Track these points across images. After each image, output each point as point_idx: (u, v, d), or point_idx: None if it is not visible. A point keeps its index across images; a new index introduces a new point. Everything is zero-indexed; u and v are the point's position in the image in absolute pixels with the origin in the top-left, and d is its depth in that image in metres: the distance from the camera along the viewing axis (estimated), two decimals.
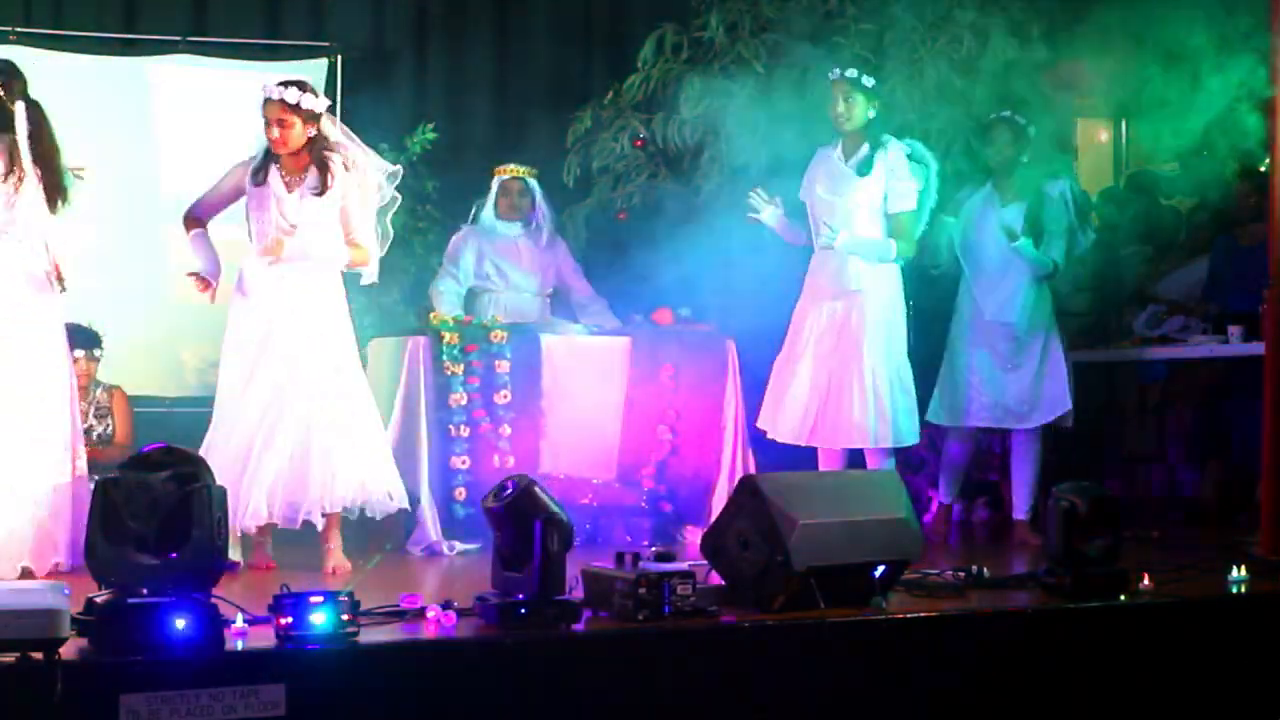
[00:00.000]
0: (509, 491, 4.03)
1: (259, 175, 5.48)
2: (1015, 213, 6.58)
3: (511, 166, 7.11)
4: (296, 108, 5.38)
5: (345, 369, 5.50)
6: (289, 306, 5.43)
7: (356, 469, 5.39)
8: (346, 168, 5.51)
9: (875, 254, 6.15)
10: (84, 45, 7.86)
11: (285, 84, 5.41)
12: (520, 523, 3.99)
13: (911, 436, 6.26)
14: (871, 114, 6.14)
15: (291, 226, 5.42)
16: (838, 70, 6.18)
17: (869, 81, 6.12)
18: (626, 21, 8.53)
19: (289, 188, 5.45)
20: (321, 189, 5.45)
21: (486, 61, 8.61)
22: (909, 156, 6.17)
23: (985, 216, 6.64)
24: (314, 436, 5.35)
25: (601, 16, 8.76)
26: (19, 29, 7.75)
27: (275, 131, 5.39)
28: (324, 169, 5.46)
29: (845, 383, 6.12)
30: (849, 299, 6.15)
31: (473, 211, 7.17)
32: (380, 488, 5.46)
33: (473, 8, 8.60)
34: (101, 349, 6.75)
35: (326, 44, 8.17)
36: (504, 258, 7.06)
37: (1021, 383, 6.57)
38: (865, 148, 6.14)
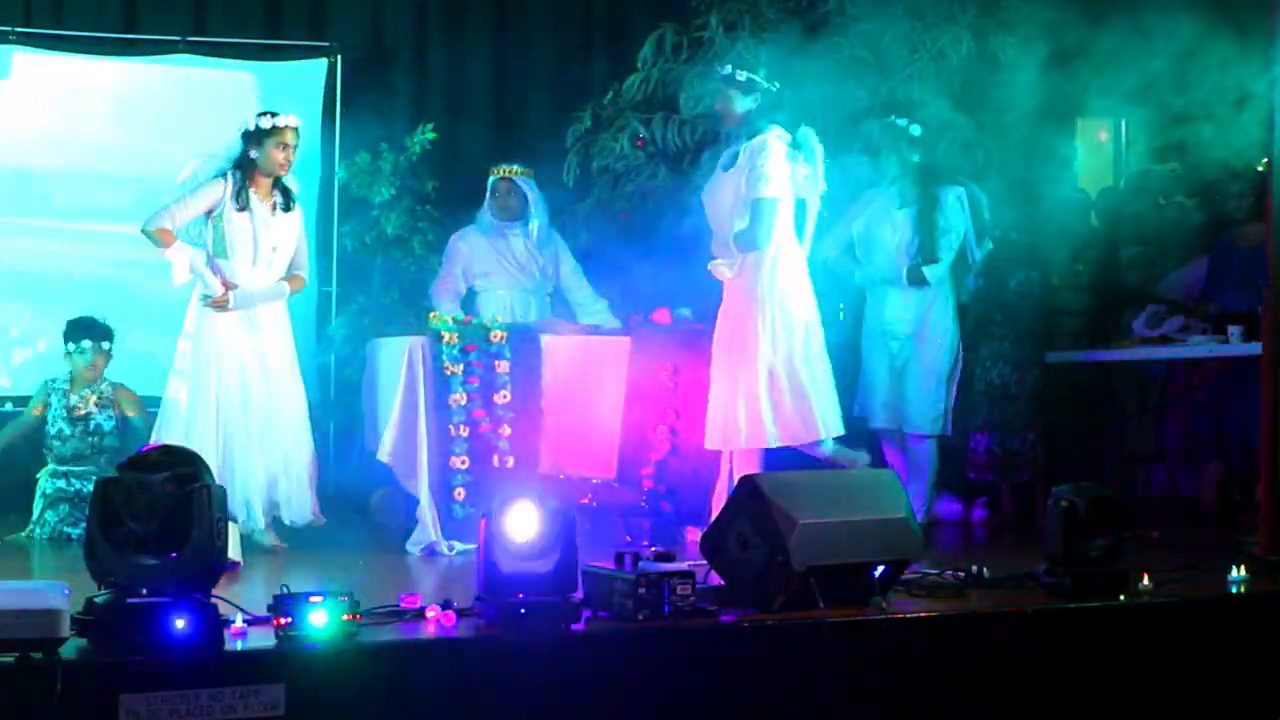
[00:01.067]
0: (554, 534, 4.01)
1: (241, 199, 5.84)
2: (909, 215, 6.68)
3: (502, 167, 7.11)
4: (299, 137, 5.94)
5: (298, 389, 6.06)
6: (265, 324, 5.94)
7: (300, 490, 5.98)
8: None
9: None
10: (84, 45, 7.87)
11: (277, 114, 5.89)
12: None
13: (774, 440, 5.96)
14: (751, 107, 6.00)
15: (273, 249, 5.92)
16: (719, 68, 6.16)
17: (742, 77, 5.99)
18: (626, 21, 8.54)
19: (270, 210, 5.93)
20: (288, 205, 5.98)
21: (486, 61, 8.62)
22: (794, 145, 6.00)
23: (882, 218, 6.72)
24: (273, 455, 5.91)
25: (601, 17, 8.77)
26: (19, 29, 7.76)
27: (293, 157, 5.90)
28: (286, 189, 5.99)
29: (713, 383, 6.09)
30: (724, 296, 6.13)
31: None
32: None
33: (472, 8, 8.62)
34: (111, 342, 6.79)
35: (326, 44, 8.18)
36: (500, 258, 7.06)
37: (910, 385, 6.68)
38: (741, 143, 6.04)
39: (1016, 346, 7.36)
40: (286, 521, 5.98)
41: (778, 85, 6.07)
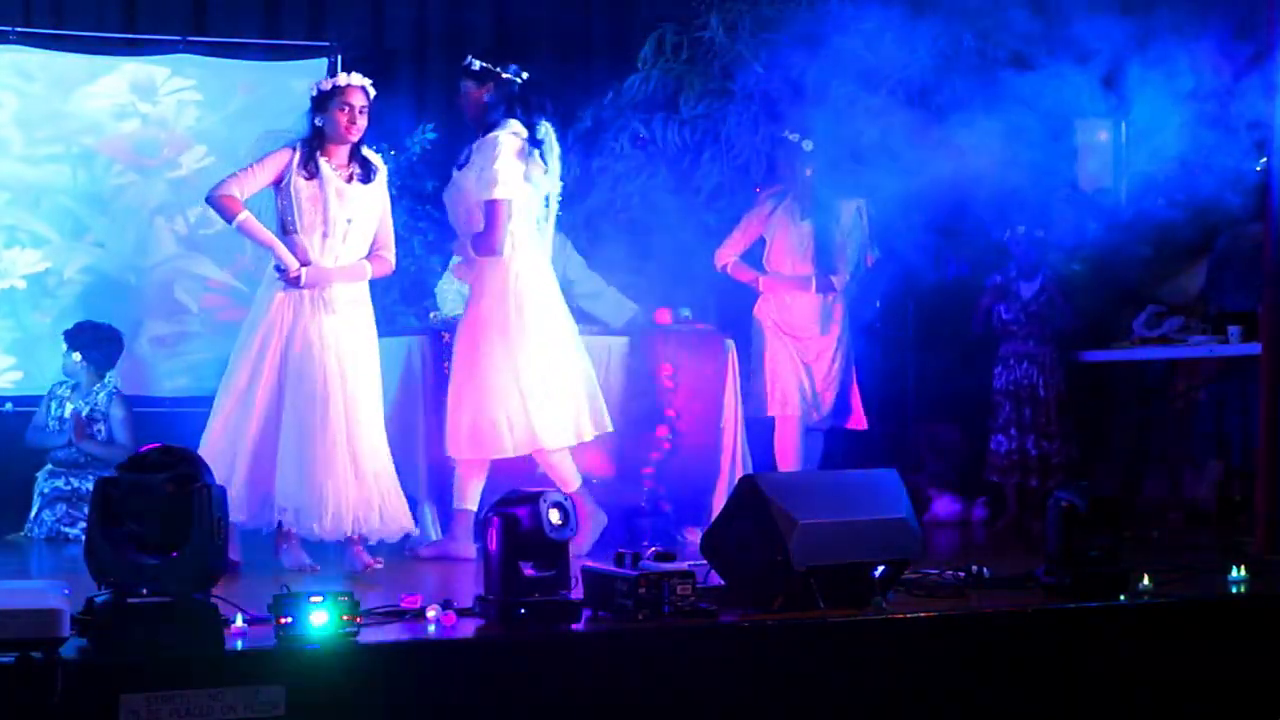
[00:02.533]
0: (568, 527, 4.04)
1: (309, 167, 5.36)
2: (811, 225, 6.90)
3: None
4: (369, 99, 5.44)
5: (374, 385, 5.49)
6: (341, 307, 5.39)
7: (388, 496, 5.40)
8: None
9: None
10: (84, 45, 7.87)
11: (349, 73, 5.47)
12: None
13: (511, 450, 5.72)
14: (488, 99, 5.77)
15: (348, 221, 5.39)
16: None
17: (476, 66, 5.78)
18: (626, 21, 8.54)
19: (344, 180, 5.40)
20: (369, 177, 5.45)
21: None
22: (531, 141, 5.77)
23: (782, 227, 6.93)
24: (361, 459, 5.32)
25: (602, 16, 8.77)
26: (19, 29, 7.76)
27: (361, 121, 5.39)
28: (365, 160, 5.48)
29: (454, 388, 5.84)
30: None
31: None
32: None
33: (473, 7, 8.61)
34: (94, 351, 6.77)
35: (326, 44, 8.18)
36: None
37: (834, 383, 6.94)
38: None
39: (1042, 345, 7.33)
40: (372, 540, 5.38)
41: (524, 75, 5.83)
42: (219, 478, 4.88)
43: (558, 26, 8.69)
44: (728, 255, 7.02)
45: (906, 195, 6.90)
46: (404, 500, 5.44)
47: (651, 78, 7.70)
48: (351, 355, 5.36)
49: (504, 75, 5.77)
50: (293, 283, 5.31)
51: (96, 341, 6.82)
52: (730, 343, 6.69)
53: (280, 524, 5.32)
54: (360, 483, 5.30)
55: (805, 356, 6.93)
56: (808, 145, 6.84)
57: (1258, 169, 6.79)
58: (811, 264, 6.90)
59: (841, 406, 7.01)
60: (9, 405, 7.55)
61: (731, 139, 7.46)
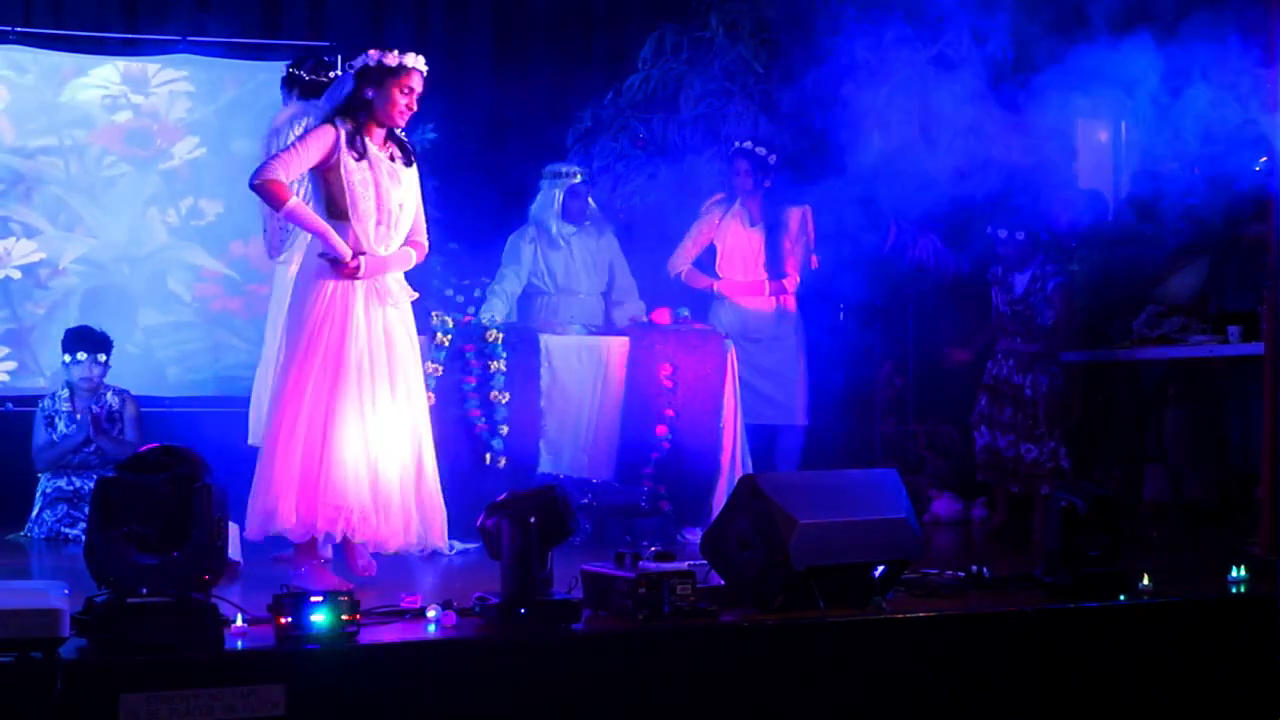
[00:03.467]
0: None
1: (357, 146, 4.89)
2: (762, 232, 7.10)
3: (566, 167, 7.01)
4: (423, 83, 5.05)
5: (421, 382, 5.17)
6: (394, 298, 5.04)
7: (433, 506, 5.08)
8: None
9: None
10: (84, 45, 7.88)
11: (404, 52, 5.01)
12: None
13: None
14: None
15: (399, 206, 4.99)
16: None
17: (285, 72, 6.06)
18: (626, 21, 8.54)
19: (389, 162, 5.01)
20: (409, 160, 5.07)
21: (487, 61, 8.62)
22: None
23: (733, 234, 7.13)
24: (423, 461, 5.03)
25: (601, 17, 8.77)
26: (19, 29, 7.77)
27: (414, 105, 4.99)
28: (402, 144, 5.10)
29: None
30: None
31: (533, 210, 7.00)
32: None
33: (473, 8, 8.61)
34: (108, 353, 6.75)
35: (326, 44, 8.18)
36: (558, 260, 6.95)
37: (786, 384, 7.09)
38: None
39: (1029, 344, 7.24)
40: (416, 549, 5.05)
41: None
42: (290, 489, 4.76)
43: (558, 27, 8.70)
44: (681, 263, 7.19)
45: (907, 193, 6.90)
46: (443, 507, 5.10)
47: (651, 78, 7.71)
48: (403, 350, 5.02)
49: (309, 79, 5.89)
50: (349, 274, 4.87)
51: (106, 344, 6.81)
52: (730, 342, 6.69)
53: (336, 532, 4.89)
54: (421, 490, 5.00)
55: (760, 359, 7.04)
56: (772, 159, 7.05)
57: (1257, 168, 6.79)
58: (764, 269, 7.08)
59: (804, 403, 7.14)
60: (9, 405, 7.55)
61: (731, 139, 7.46)
